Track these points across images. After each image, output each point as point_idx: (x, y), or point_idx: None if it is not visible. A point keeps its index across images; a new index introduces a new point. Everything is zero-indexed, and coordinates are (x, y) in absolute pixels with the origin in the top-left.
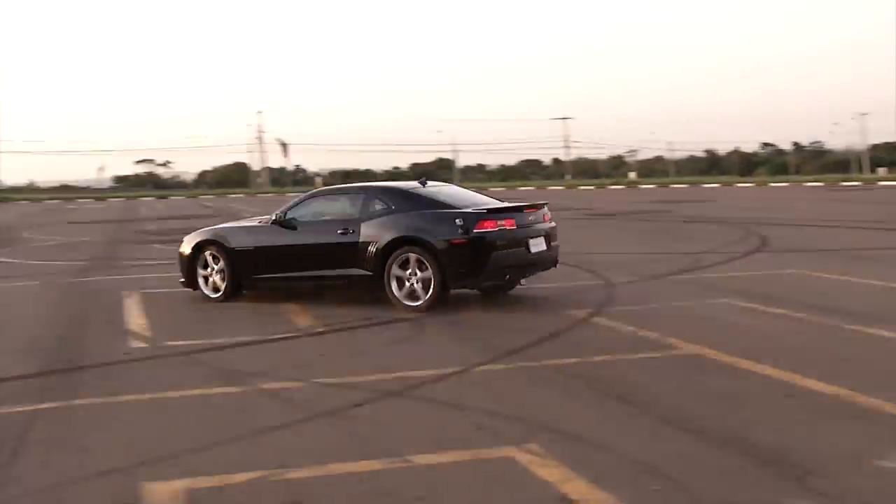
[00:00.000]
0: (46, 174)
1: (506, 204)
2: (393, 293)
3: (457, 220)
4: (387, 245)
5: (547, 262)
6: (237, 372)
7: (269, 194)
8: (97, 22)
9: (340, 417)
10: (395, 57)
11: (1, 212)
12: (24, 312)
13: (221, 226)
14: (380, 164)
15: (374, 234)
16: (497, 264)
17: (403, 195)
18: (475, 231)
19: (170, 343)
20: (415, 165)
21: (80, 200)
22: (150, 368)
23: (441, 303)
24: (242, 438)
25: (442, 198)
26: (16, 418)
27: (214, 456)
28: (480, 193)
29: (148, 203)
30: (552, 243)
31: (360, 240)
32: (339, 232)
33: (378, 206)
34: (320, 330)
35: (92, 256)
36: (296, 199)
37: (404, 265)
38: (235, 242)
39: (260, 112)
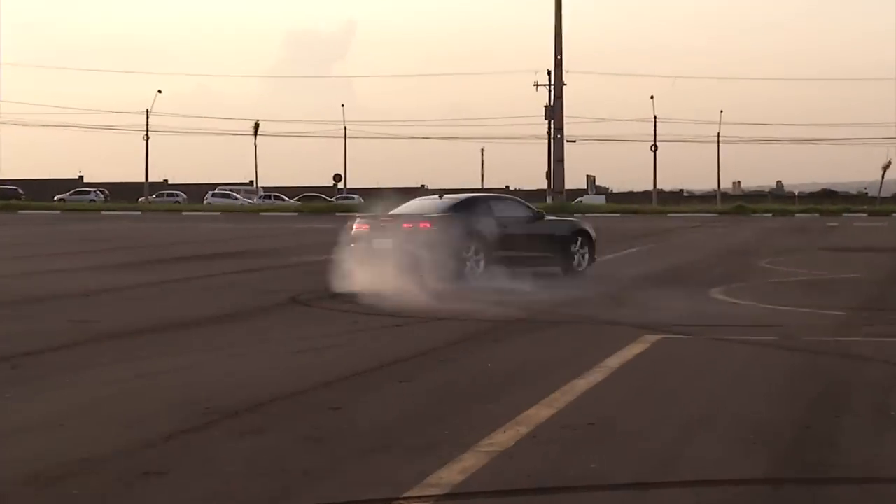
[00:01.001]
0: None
1: (382, 215)
2: None
3: None
4: None
5: (396, 257)
6: None
7: None
8: None
9: None
10: None
11: (738, 228)
12: (750, 382)
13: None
14: None
15: None
16: (357, 248)
17: None
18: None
19: None
20: None
21: (846, 214)
22: None
23: None
24: None
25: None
26: None
27: None
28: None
29: None
30: (411, 245)
31: None
32: None
33: None
34: None
35: (857, 304)
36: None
37: None
38: None
39: None
